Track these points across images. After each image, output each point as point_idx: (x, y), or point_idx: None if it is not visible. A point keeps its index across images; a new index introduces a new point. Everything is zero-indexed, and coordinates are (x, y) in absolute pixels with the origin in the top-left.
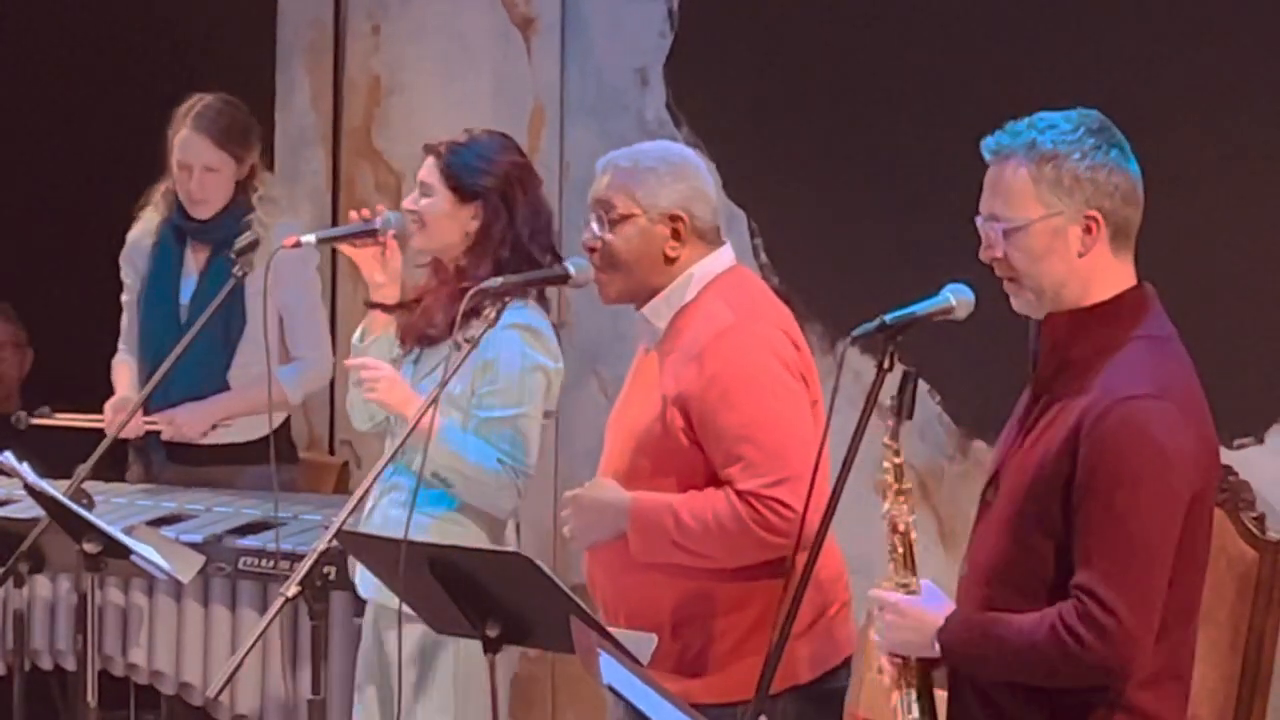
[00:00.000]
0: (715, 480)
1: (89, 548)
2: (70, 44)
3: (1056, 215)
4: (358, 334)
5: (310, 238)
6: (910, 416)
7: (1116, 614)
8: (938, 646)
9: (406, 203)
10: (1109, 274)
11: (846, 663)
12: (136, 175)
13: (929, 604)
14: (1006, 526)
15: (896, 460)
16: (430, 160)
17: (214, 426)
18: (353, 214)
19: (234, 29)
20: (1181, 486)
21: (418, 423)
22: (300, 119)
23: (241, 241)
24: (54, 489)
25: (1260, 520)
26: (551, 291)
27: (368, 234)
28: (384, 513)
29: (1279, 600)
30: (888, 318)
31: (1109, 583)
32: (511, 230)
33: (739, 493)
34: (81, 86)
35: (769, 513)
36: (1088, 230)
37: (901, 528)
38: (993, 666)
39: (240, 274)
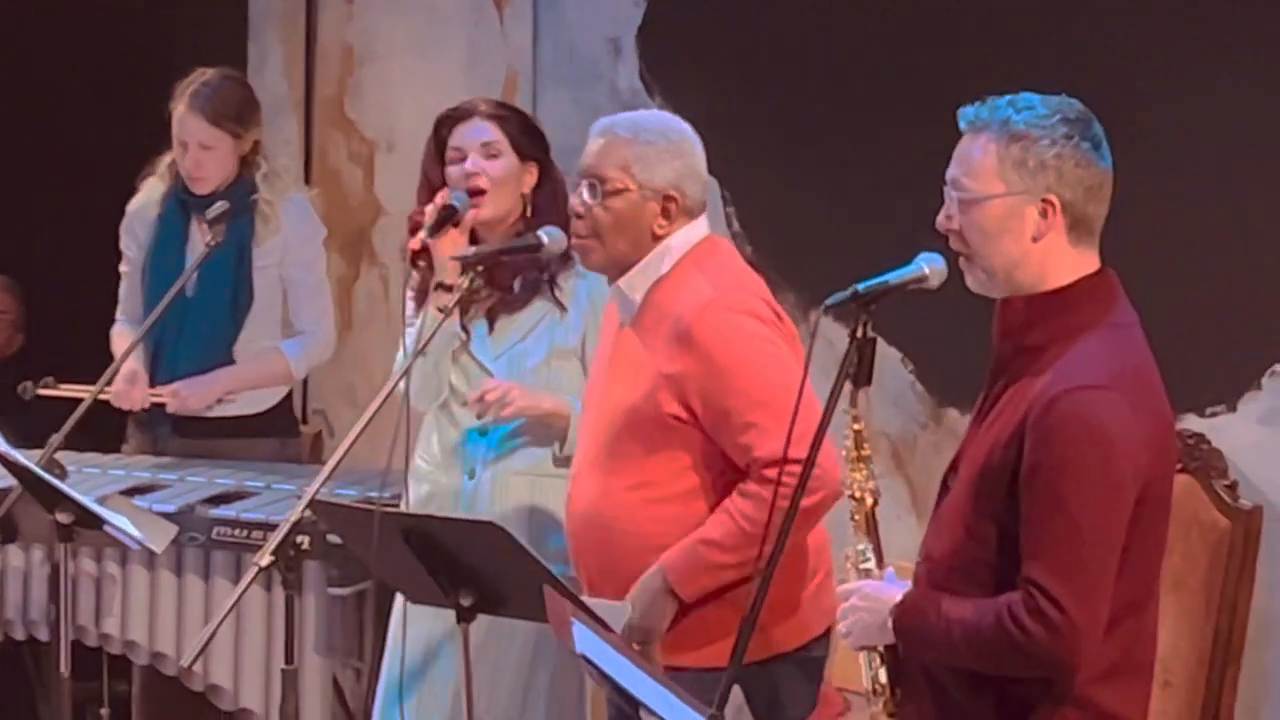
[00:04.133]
0: (709, 458)
1: (62, 518)
2: (45, 14)
3: (1015, 195)
4: (433, 318)
5: (425, 236)
6: (869, 383)
7: (1063, 608)
8: (890, 625)
9: (470, 166)
10: (1066, 262)
11: (827, 632)
12: (121, 147)
13: (888, 586)
14: (959, 514)
15: (856, 427)
16: (488, 124)
17: (219, 400)
18: (428, 210)
19: None
20: (1128, 479)
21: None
22: (273, 88)
23: (214, 210)
24: (26, 458)
25: (1232, 488)
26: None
27: (453, 216)
28: (503, 481)
29: (1251, 567)
30: (860, 287)
31: (1056, 576)
32: (563, 187)
33: (758, 461)
34: (56, 58)
35: (738, 498)
36: (1043, 214)
37: (859, 494)
38: (940, 649)
39: (213, 242)
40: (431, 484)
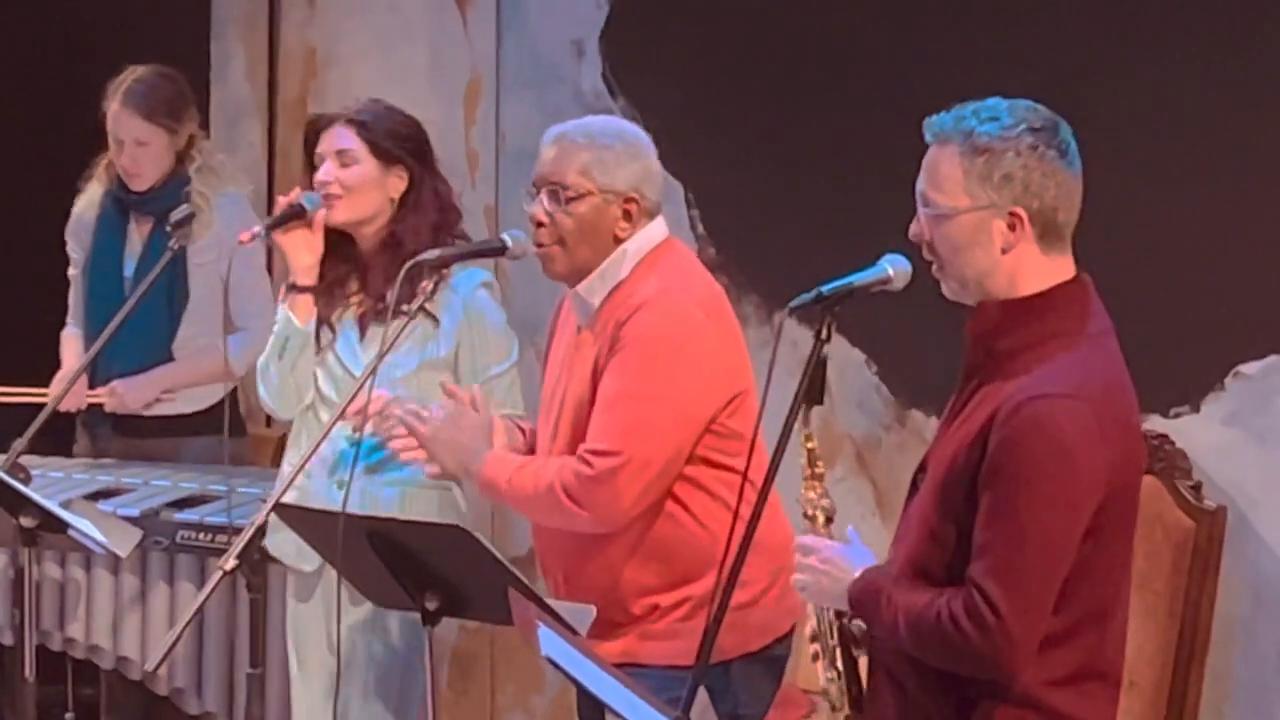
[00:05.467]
0: None
1: (26, 522)
2: (4, 14)
3: (982, 209)
4: (286, 318)
5: (259, 229)
6: (820, 401)
7: (1000, 614)
8: (847, 598)
9: (322, 175)
10: (1038, 269)
11: (790, 631)
12: (75, 148)
13: (852, 556)
14: (924, 515)
15: (809, 445)
16: (346, 130)
17: (158, 399)
18: (280, 199)
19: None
20: (1086, 490)
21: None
22: (236, 90)
23: (178, 214)
24: None
25: (1196, 489)
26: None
27: (299, 215)
28: (373, 491)
29: (1215, 567)
30: (824, 289)
31: (997, 579)
32: (438, 190)
33: (586, 448)
34: (16, 58)
35: (572, 475)
36: (1011, 227)
37: (811, 513)
38: (885, 631)
39: (176, 246)
40: (298, 491)
